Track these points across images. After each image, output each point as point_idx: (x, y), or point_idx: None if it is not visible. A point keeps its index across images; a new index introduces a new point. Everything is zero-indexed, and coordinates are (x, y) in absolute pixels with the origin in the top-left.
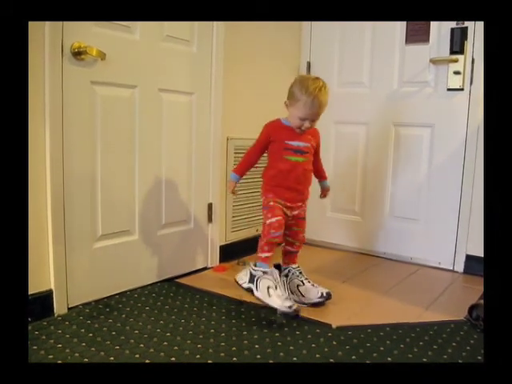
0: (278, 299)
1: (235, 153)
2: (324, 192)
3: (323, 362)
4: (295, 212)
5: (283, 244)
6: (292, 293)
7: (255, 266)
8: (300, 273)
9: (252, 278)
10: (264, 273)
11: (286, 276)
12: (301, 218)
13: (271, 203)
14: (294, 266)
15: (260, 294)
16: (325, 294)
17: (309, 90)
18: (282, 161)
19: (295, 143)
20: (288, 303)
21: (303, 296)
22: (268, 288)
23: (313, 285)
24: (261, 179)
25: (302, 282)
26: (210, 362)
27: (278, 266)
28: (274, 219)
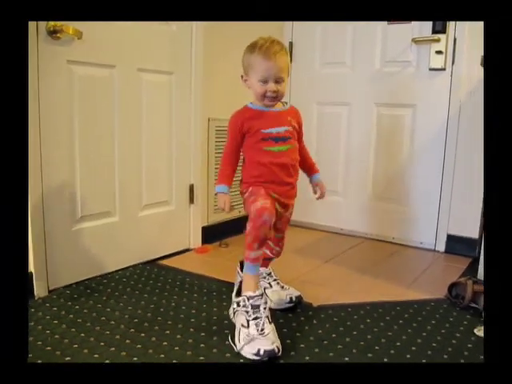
0: (244, 346)
1: (216, 134)
2: (319, 187)
3: (303, 340)
4: (287, 212)
5: None
6: None
7: (241, 270)
8: (268, 274)
9: (234, 311)
10: (238, 304)
11: None
12: (288, 219)
13: (262, 191)
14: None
15: (236, 338)
16: (294, 299)
17: (257, 45)
18: (263, 154)
19: (274, 130)
20: (254, 349)
21: (270, 301)
22: (240, 328)
23: (282, 287)
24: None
25: (269, 284)
26: (190, 341)
27: (242, 264)
28: (268, 202)
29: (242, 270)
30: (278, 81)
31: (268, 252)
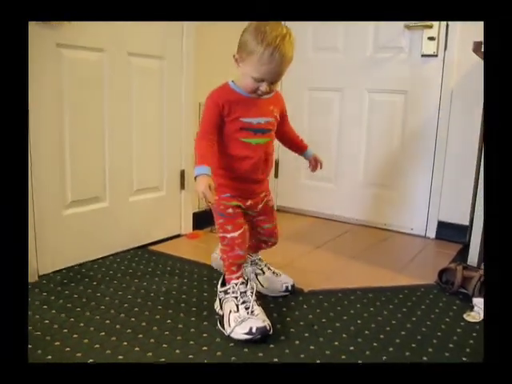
0: (235, 327)
1: None
2: (315, 162)
3: (293, 325)
4: (260, 206)
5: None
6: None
7: (222, 285)
8: (259, 259)
9: (220, 303)
10: (226, 292)
11: None
12: (270, 208)
13: (230, 210)
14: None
15: (225, 324)
16: (290, 288)
17: (267, 39)
18: (238, 145)
19: (255, 120)
20: (245, 328)
21: (262, 287)
22: (229, 313)
23: (274, 273)
24: None
25: (261, 270)
26: (180, 326)
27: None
28: (236, 233)
29: (222, 285)
30: (273, 81)
31: (263, 246)
